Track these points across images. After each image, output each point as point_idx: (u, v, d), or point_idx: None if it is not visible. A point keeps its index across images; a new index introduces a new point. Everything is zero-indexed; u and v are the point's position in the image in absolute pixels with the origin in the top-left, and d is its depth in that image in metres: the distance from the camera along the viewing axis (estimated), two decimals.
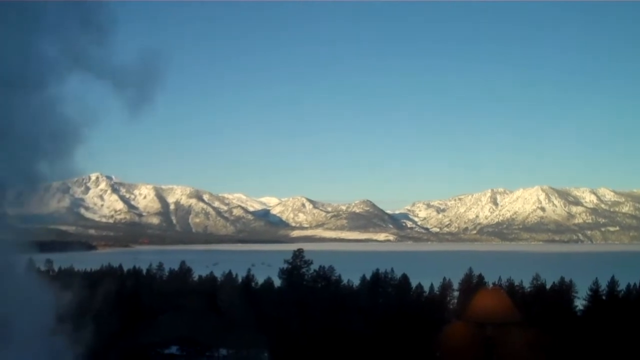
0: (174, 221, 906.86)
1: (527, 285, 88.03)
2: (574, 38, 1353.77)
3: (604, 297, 77.53)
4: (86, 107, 22.67)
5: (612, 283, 79.33)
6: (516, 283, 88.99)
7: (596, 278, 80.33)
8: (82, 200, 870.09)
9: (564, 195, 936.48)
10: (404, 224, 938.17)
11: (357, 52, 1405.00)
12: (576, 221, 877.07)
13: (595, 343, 59.95)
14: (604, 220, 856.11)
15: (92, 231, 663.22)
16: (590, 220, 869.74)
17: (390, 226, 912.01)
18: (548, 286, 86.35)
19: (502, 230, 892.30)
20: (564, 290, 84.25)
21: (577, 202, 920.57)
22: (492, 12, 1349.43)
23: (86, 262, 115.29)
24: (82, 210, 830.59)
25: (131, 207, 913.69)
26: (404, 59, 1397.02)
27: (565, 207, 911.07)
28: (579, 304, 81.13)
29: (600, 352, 58.32)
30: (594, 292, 78.79)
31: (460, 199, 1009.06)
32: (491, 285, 72.41)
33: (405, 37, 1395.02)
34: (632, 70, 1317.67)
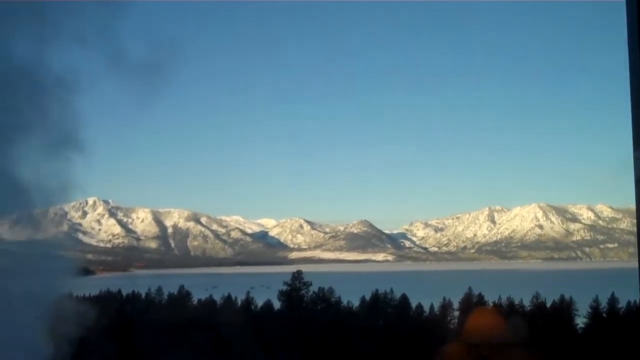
0: (172, 245, 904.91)
1: (527, 303, 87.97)
2: (575, 50, 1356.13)
3: (604, 315, 77.57)
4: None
5: (613, 300, 79.43)
6: (516, 302, 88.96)
7: (596, 295, 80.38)
8: (80, 225, 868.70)
9: (562, 213, 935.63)
10: (402, 244, 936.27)
11: (356, 72, 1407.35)
12: (574, 238, 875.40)
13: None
14: (602, 237, 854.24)
15: (90, 256, 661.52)
16: (588, 237, 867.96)
17: (389, 246, 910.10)
18: (548, 304, 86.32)
19: (501, 248, 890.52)
20: (564, 308, 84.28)
21: (574, 219, 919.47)
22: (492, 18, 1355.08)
23: (85, 287, 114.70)
24: (80, 235, 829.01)
25: (129, 231, 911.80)
26: (401, 74, 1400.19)
27: (563, 224, 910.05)
28: (580, 321, 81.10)
29: None
30: (595, 310, 78.87)
31: (458, 218, 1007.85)
32: (487, 306, 72.53)
33: (404, 48, 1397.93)
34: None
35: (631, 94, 5.00)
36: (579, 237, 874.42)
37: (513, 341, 9.67)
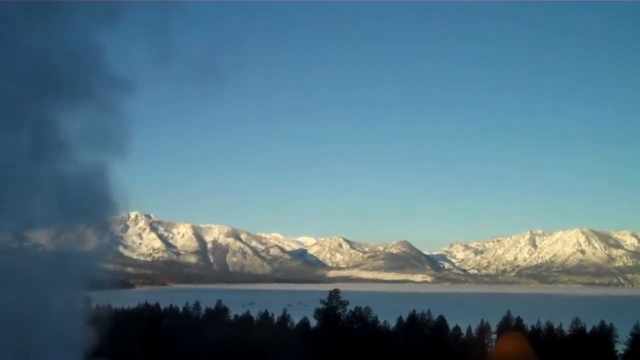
0: (212, 260, 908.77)
1: (566, 328, 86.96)
2: (624, 73, 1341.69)
3: None
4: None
5: None
6: (555, 326, 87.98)
7: (637, 322, 79.21)
8: (121, 238, 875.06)
9: (605, 238, 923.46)
10: (441, 265, 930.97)
11: (400, 91, 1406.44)
12: (617, 264, 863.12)
13: None
14: None
15: (130, 269, 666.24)
16: (631, 264, 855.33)
17: (428, 267, 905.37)
18: (588, 330, 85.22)
19: (541, 272, 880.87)
20: (604, 335, 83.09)
21: (617, 245, 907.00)
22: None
23: (124, 300, 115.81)
24: (121, 248, 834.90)
25: (169, 245, 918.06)
26: (441, 92, 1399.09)
27: (605, 250, 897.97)
28: (620, 348, 79.97)
29: None
30: (635, 337, 77.66)
31: (498, 241, 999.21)
32: (516, 331, 71.93)
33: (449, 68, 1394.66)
34: None
35: None
36: (621, 263, 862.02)
37: None
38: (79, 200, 23.67)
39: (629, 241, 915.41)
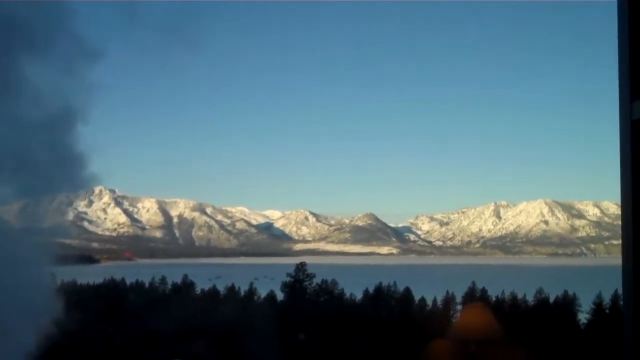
0: (177, 234, 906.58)
1: (530, 298, 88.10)
2: (583, 45, 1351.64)
3: (607, 311, 77.58)
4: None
5: (616, 297, 79.32)
6: (519, 297, 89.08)
7: (599, 291, 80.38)
8: (85, 213, 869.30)
9: (568, 209, 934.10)
10: (407, 237, 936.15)
11: (360, 66, 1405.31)
12: (580, 234, 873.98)
13: (598, 356, 59.88)
14: (607, 234, 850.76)
15: (95, 244, 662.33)
16: (593, 234, 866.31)
17: (394, 239, 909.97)
18: (552, 300, 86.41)
19: (506, 243, 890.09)
20: (567, 304, 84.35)
21: (580, 216, 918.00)
22: (493, 13, 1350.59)
23: (89, 275, 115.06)
24: (85, 224, 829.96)
25: (134, 220, 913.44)
26: (404, 66, 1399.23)
27: (568, 220, 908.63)
28: (583, 317, 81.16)
29: None
30: (598, 306, 78.86)
31: (463, 212, 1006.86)
32: (478, 302, 72.56)
33: (406, 44, 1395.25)
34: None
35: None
36: (584, 234, 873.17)
37: (501, 338, 9.55)
38: (40, 175, 23.35)
39: (592, 211, 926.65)
